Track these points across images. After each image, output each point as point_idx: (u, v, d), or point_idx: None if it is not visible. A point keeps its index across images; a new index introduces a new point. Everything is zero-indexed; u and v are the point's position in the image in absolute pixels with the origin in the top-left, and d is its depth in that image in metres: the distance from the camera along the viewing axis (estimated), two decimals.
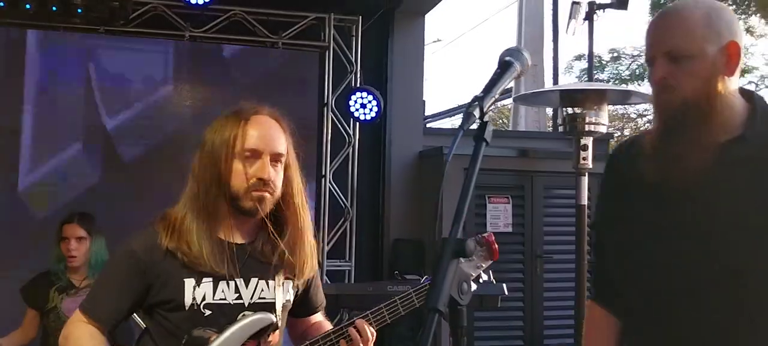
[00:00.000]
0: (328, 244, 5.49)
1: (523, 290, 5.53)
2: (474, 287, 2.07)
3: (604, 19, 6.44)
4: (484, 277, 2.26)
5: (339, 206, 5.57)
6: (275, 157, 1.90)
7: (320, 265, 5.32)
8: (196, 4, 4.77)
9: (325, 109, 5.53)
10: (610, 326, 1.90)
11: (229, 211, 1.91)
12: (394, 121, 5.80)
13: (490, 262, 2.19)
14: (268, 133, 1.91)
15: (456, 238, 1.18)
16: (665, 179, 1.62)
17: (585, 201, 4.75)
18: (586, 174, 4.74)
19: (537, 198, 5.65)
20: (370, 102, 5.21)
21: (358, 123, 5.52)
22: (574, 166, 4.70)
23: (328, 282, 5.39)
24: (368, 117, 5.25)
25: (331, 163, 5.53)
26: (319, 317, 2.19)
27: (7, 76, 5.02)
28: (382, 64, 5.85)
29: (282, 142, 1.93)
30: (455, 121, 6.63)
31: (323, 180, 5.51)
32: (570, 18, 6.26)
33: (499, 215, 5.57)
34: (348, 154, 5.60)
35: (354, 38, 5.59)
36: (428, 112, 8.47)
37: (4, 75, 5.05)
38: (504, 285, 3.99)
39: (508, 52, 1.39)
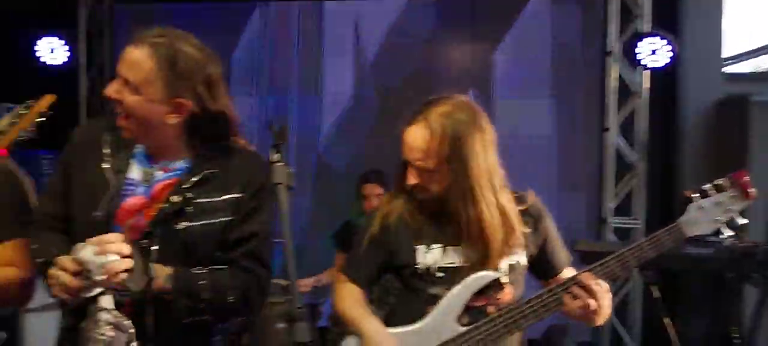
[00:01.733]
0: (614, 200, 5.30)
1: None
2: (729, 233, 2.13)
3: None
4: (742, 220, 2.12)
5: (625, 161, 5.31)
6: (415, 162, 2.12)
7: (604, 221, 5.28)
8: None
9: (608, 58, 5.25)
10: None
11: None
12: (687, 67, 5.33)
13: (746, 203, 2.09)
14: (408, 142, 2.12)
15: None
16: None
17: None
18: None
19: None
20: (661, 47, 4.83)
21: (645, 71, 5.16)
22: None
23: (616, 239, 5.26)
24: (660, 64, 4.88)
25: (616, 114, 5.27)
26: (568, 274, 2.24)
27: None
28: (674, 4, 5.37)
29: (423, 150, 2.09)
30: (761, 63, 5.91)
31: (606, 133, 5.28)
32: None
33: None
34: (636, 104, 5.28)
35: None
36: (726, 54, 7.62)
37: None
38: None
39: None
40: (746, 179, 2.07)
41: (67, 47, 5.54)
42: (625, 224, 5.36)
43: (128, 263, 1.68)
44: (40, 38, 5.51)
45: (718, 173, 2.18)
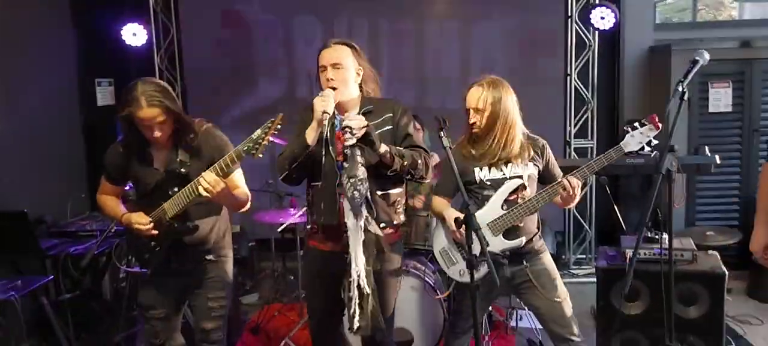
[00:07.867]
0: (574, 127, 6.77)
1: (740, 159, 6.24)
2: (650, 152, 3.12)
3: None
4: (654, 141, 3.12)
5: (582, 98, 6.76)
6: (473, 107, 3.32)
7: (568, 143, 6.73)
8: None
9: (570, 20, 6.67)
10: None
11: None
12: (627, 27, 6.72)
13: (657, 131, 3.11)
14: (470, 98, 3.35)
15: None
16: None
17: None
18: None
19: (756, 81, 6.14)
20: (608, 15, 6.22)
21: (597, 31, 6.58)
22: None
23: (576, 156, 6.71)
24: (606, 27, 6.28)
25: (574, 63, 6.71)
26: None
27: None
28: None
29: (479, 97, 3.32)
30: (684, 16, 7.36)
31: (568, 78, 6.74)
32: None
33: (721, 98, 6.18)
34: (588, 56, 6.72)
35: None
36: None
37: None
38: (716, 156, 4.95)
39: None
40: (656, 118, 3.11)
41: (145, 31, 6.68)
42: (582, 144, 6.79)
43: (368, 125, 2.92)
44: (126, 24, 6.65)
45: (650, 101, 3.11)
